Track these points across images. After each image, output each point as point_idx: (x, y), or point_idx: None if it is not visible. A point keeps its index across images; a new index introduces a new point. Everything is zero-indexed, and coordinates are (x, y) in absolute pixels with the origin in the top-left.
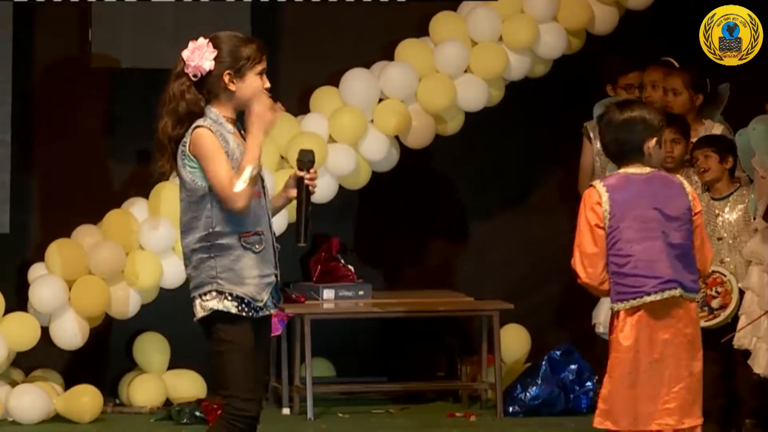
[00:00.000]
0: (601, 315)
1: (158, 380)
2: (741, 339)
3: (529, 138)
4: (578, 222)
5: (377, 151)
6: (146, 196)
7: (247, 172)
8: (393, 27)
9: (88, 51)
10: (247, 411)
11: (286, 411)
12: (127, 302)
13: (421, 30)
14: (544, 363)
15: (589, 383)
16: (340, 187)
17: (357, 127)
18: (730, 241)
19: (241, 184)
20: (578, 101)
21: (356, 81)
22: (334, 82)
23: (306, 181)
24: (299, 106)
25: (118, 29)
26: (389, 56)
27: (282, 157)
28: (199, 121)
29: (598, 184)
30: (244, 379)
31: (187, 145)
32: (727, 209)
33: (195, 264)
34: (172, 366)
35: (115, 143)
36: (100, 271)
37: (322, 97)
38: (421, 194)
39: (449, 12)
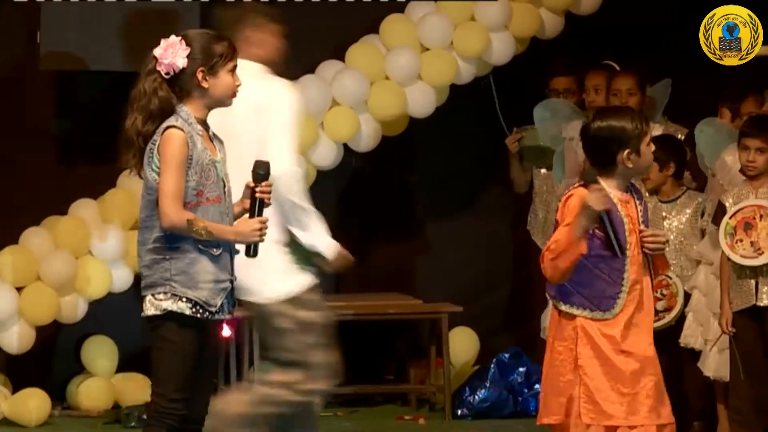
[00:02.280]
0: (549, 319)
1: (106, 384)
2: (688, 338)
3: (481, 139)
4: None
5: (327, 158)
6: (94, 197)
7: (199, 227)
8: (343, 27)
9: (36, 53)
10: (174, 410)
11: None
12: (75, 307)
13: (370, 30)
14: (492, 366)
15: (537, 386)
16: None
17: (309, 136)
18: (677, 244)
19: (181, 217)
20: (524, 102)
21: (309, 88)
22: None
23: (257, 194)
24: None
25: (67, 31)
26: (339, 57)
27: None
28: (171, 120)
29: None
30: (176, 380)
31: (157, 144)
32: (674, 212)
33: (148, 263)
34: (120, 369)
35: (62, 146)
36: (52, 280)
37: None
38: (371, 196)
39: (400, 15)
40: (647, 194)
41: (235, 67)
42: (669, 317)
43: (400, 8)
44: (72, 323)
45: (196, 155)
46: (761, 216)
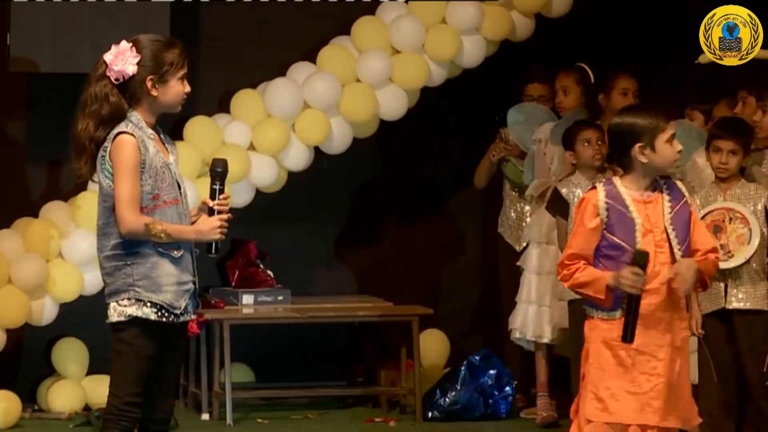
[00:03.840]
0: (518, 321)
1: (77, 386)
2: None
3: (449, 141)
4: None
5: (299, 161)
6: (63, 200)
7: (157, 230)
8: (314, 28)
9: (6, 55)
10: (129, 412)
11: (205, 416)
12: (46, 309)
13: (341, 31)
14: (463, 368)
15: (508, 388)
16: (257, 191)
17: (281, 139)
18: None
19: (138, 222)
20: (493, 104)
21: (280, 91)
22: (255, 84)
23: (216, 208)
24: (219, 108)
25: (36, 33)
26: (310, 58)
27: (204, 163)
28: (122, 126)
29: None
30: (133, 384)
31: (108, 150)
32: None
33: (109, 270)
34: (90, 371)
35: (32, 148)
36: (23, 284)
37: (244, 101)
38: (340, 198)
39: (372, 17)
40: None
41: (185, 74)
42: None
43: (371, 10)
44: (42, 325)
45: (148, 159)
46: (730, 219)
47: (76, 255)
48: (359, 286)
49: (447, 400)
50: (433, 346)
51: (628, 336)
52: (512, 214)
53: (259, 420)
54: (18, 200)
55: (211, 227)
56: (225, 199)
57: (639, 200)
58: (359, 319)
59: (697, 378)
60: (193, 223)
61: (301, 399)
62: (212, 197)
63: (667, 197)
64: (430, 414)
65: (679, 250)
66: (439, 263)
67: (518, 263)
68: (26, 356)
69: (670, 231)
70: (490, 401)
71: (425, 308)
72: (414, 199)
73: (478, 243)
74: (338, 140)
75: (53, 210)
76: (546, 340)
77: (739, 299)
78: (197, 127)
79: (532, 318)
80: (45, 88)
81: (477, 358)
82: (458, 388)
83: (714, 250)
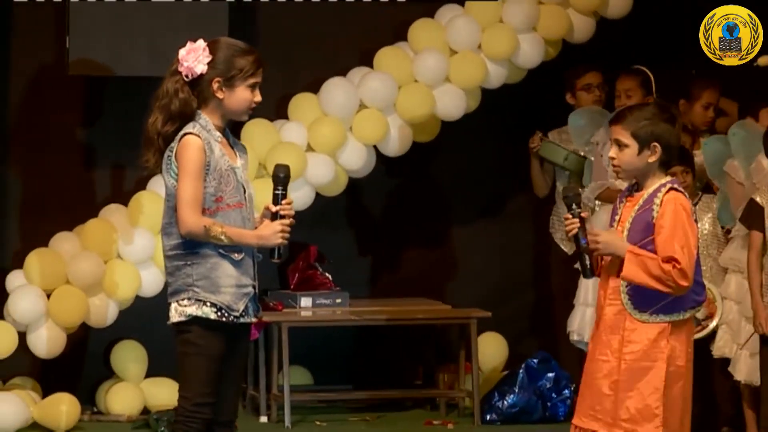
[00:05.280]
0: (575, 323)
1: (136, 388)
2: (722, 348)
3: (506, 146)
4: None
5: (356, 160)
6: (124, 203)
7: (217, 232)
8: (371, 33)
9: (65, 58)
10: (199, 414)
11: (263, 419)
12: (105, 311)
13: (398, 36)
14: (521, 371)
15: (566, 391)
16: (317, 194)
17: (336, 137)
18: (702, 250)
19: (198, 224)
20: (554, 109)
21: (336, 90)
22: (312, 87)
23: (279, 213)
24: (277, 112)
25: (95, 36)
26: (367, 62)
27: (260, 165)
28: (189, 127)
29: None
30: (202, 384)
31: (174, 150)
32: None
33: (171, 270)
34: (149, 374)
35: (92, 151)
36: (80, 281)
37: (301, 104)
38: (398, 202)
39: (428, 19)
40: None
41: (256, 83)
42: (712, 324)
43: (430, 13)
44: (102, 328)
45: (213, 161)
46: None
47: (134, 254)
48: (417, 289)
49: (505, 402)
50: (491, 348)
51: (587, 273)
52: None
53: (318, 422)
54: (79, 203)
55: (272, 231)
56: (288, 204)
57: (625, 197)
58: (417, 321)
59: (759, 380)
60: (256, 228)
61: (360, 401)
62: (275, 202)
63: (644, 198)
64: (488, 417)
65: None
66: (496, 266)
67: (576, 266)
68: (86, 359)
69: (626, 229)
70: (549, 404)
71: (483, 311)
72: (472, 202)
73: (536, 245)
74: (397, 141)
75: (112, 212)
76: None
77: None
78: (254, 128)
79: (590, 320)
80: (103, 90)
81: (535, 361)
82: (516, 390)
83: (669, 260)
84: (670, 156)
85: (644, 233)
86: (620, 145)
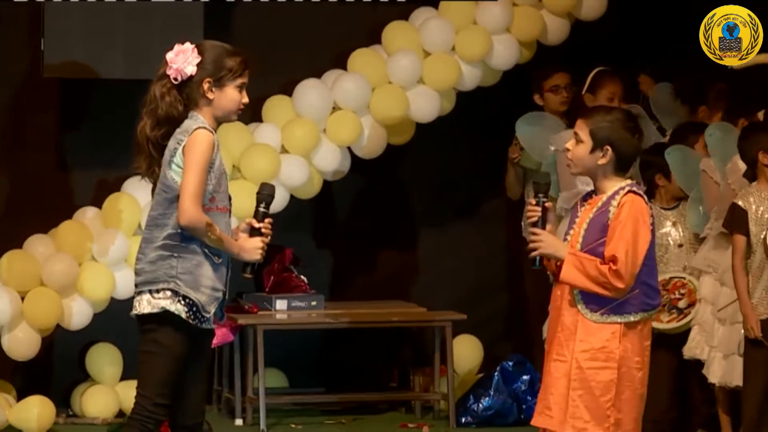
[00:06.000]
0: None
1: (111, 391)
2: (693, 349)
3: (481, 148)
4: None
5: (330, 162)
6: (99, 206)
7: (215, 233)
8: (345, 35)
9: (40, 60)
10: (156, 415)
11: (238, 422)
12: (79, 313)
13: (372, 38)
14: (496, 374)
15: None
16: (292, 197)
17: (310, 138)
18: (685, 250)
19: (201, 218)
20: (529, 112)
21: (310, 92)
22: (286, 90)
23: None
24: (251, 115)
25: (69, 38)
26: (342, 64)
27: (234, 167)
28: (198, 122)
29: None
30: (163, 385)
31: (183, 143)
32: (678, 219)
33: (152, 259)
34: (124, 377)
35: (67, 153)
36: (54, 283)
37: (275, 106)
38: (374, 204)
39: (402, 21)
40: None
41: (243, 84)
42: (694, 311)
43: (404, 15)
44: (76, 330)
45: (218, 161)
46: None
47: (108, 256)
48: (392, 292)
49: (480, 405)
50: (466, 351)
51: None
52: None
53: (293, 425)
54: (52, 206)
55: (254, 247)
56: (269, 223)
57: (587, 200)
58: (392, 324)
59: (733, 382)
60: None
61: (335, 404)
62: (257, 218)
63: (602, 200)
64: (463, 419)
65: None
66: (471, 268)
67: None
68: (61, 361)
69: (581, 232)
70: (524, 407)
71: (459, 314)
72: (447, 204)
73: (510, 248)
74: (371, 142)
75: (87, 214)
76: None
77: None
78: (228, 130)
79: None
80: (78, 93)
81: (510, 363)
82: (491, 393)
83: (611, 259)
84: (623, 164)
85: (599, 234)
86: (577, 140)
